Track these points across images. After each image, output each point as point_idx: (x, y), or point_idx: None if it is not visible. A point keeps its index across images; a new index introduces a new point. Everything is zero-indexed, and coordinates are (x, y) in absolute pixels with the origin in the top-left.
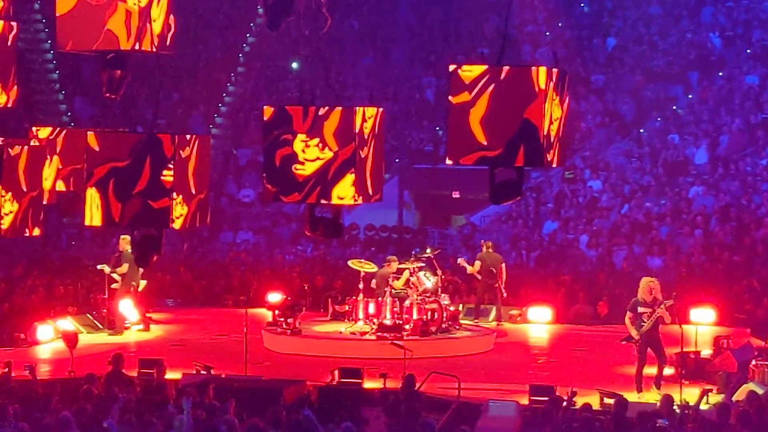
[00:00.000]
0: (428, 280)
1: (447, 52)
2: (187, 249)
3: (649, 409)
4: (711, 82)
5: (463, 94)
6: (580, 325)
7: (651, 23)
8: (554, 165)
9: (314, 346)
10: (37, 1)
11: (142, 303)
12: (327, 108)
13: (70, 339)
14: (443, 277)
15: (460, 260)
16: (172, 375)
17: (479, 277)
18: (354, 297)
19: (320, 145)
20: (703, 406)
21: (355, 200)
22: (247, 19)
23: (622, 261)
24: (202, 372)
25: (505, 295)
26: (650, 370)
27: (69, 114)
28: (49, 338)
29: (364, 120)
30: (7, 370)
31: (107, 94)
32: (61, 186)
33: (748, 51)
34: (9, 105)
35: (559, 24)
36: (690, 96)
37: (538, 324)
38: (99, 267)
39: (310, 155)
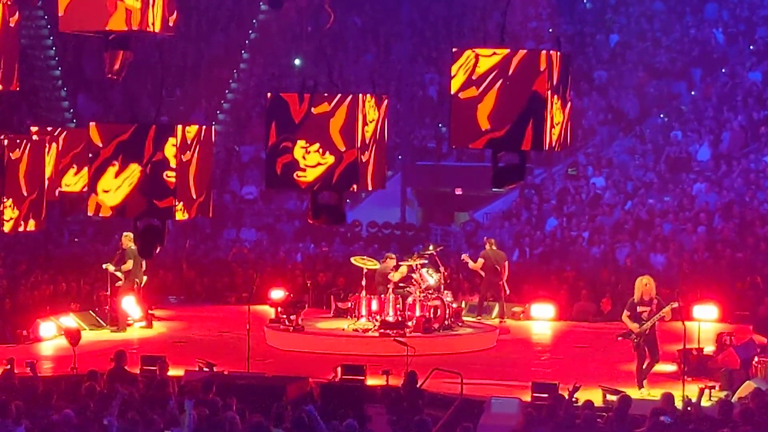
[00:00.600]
0: (431, 277)
1: (449, 48)
2: (189, 246)
3: (652, 406)
4: (714, 79)
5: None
6: (583, 322)
7: (654, 19)
8: (559, 148)
9: (317, 343)
10: None
11: (144, 300)
12: (333, 104)
13: (73, 336)
14: (446, 273)
15: (464, 256)
16: (174, 372)
17: (483, 273)
18: (357, 294)
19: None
20: (706, 403)
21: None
22: (250, 15)
23: (625, 258)
24: (205, 369)
25: (507, 292)
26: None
27: (71, 111)
28: (51, 335)
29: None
30: (9, 367)
31: (109, 75)
32: (69, 180)
33: (751, 48)
34: (12, 88)
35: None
36: (693, 93)
37: (541, 321)
38: (104, 266)
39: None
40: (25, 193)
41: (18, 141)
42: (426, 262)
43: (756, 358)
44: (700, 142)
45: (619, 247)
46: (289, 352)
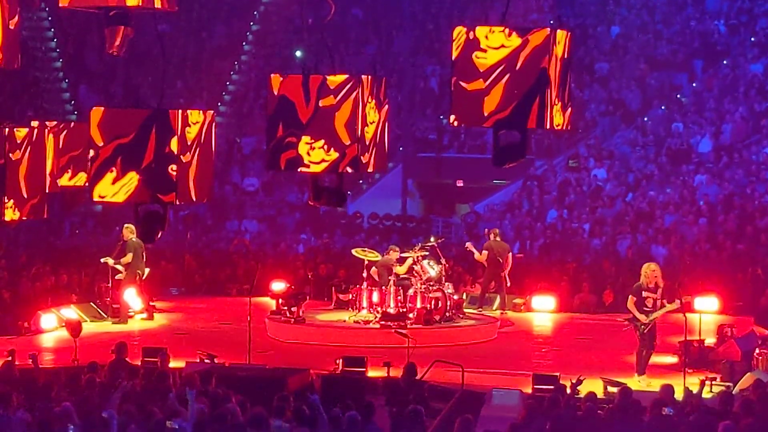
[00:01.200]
0: (432, 269)
1: (451, 40)
2: (191, 238)
3: (657, 398)
4: (715, 71)
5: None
6: (584, 313)
7: (655, 11)
8: (564, 127)
9: (318, 334)
10: None
11: (146, 291)
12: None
13: (74, 327)
14: (447, 265)
15: (468, 245)
16: (175, 364)
17: (485, 264)
18: (358, 286)
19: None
20: (706, 395)
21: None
22: (251, 7)
23: (627, 249)
24: (206, 361)
25: (509, 284)
26: (654, 359)
27: (72, 102)
28: (52, 327)
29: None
30: (10, 358)
31: (110, 51)
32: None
33: (753, 39)
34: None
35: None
36: (694, 84)
37: (542, 313)
38: (102, 260)
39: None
40: (26, 195)
41: (19, 142)
42: (427, 253)
43: (757, 350)
44: (702, 134)
45: (621, 238)
46: (290, 343)
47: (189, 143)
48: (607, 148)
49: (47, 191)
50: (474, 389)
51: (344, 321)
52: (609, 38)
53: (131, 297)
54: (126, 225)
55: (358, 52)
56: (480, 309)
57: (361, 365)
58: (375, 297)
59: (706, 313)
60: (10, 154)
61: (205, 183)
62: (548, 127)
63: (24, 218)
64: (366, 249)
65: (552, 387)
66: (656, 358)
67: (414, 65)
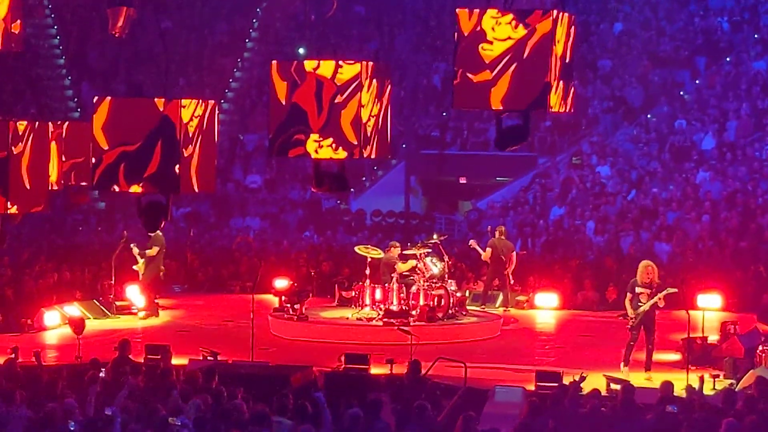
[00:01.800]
0: (435, 266)
1: (453, 37)
2: (193, 235)
3: (662, 396)
4: (718, 68)
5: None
6: (587, 310)
7: (658, 8)
8: (567, 110)
9: (321, 331)
10: None
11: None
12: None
13: (77, 325)
14: (450, 262)
15: (471, 242)
16: (178, 361)
17: (489, 262)
18: (361, 283)
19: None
20: (708, 392)
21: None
22: (254, 4)
23: (629, 247)
24: (209, 358)
25: (512, 282)
26: (639, 355)
27: (75, 100)
28: (55, 324)
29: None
30: (13, 355)
31: (112, 32)
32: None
33: (756, 36)
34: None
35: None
36: (697, 81)
37: (545, 310)
38: (131, 245)
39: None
40: (29, 188)
41: (20, 134)
42: (430, 251)
43: (760, 347)
44: (705, 131)
45: (624, 235)
46: (293, 341)
47: (191, 135)
48: (611, 145)
49: (51, 189)
50: (477, 386)
51: (347, 318)
52: (612, 35)
53: (133, 294)
54: None
55: (360, 48)
56: (483, 306)
57: (364, 362)
58: (378, 294)
59: (709, 310)
60: (12, 148)
61: (208, 174)
62: (551, 109)
63: (26, 212)
64: (369, 246)
65: (555, 384)
66: (660, 356)
67: (416, 62)
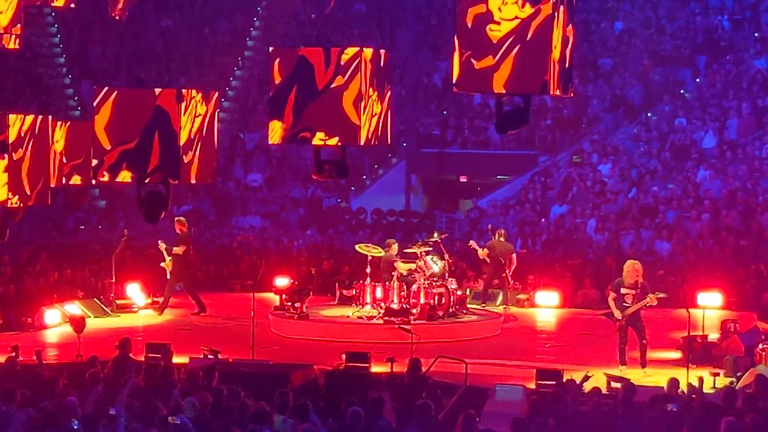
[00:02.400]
0: (435, 265)
1: (454, 36)
2: (194, 233)
3: (659, 394)
4: (719, 66)
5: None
6: (588, 309)
7: (659, 7)
8: (567, 94)
9: (321, 330)
10: None
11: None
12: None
13: (78, 323)
14: (450, 261)
15: (471, 243)
16: (179, 359)
17: (488, 260)
18: (361, 281)
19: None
20: (708, 390)
21: None
22: (254, 3)
23: (630, 245)
24: (210, 356)
25: (512, 283)
26: (634, 353)
27: (75, 98)
28: (56, 322)
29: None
30: (14, 354)
31: (113, 15)
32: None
33: (756, 35)
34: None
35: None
36: (698, 80)
37: (546, 308)
38: (158, 242)
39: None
40: (28, 183)
41: (21, 128)
42: (430, 249)
43: (760, 345)
44: (705, 130)
45: (624, 234)
46: (293, 339)
47: (191, 127)
48: (611, 144)
49: (52, 186)
50: (477, 385)
51: (348, 317)
52: (612, 34)
53: (135, 292)
54: (177, 218)
55: (361, 47)
56: (483, 305)
57: (365, 361)
58: (378, 292)
59: (710, 308)
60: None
61: (208, 164)
62: (552, 93)
63: (28, 205)
64: (369, 245)
65: (555, 382)
66: (660, 354)
67: (417, 61)
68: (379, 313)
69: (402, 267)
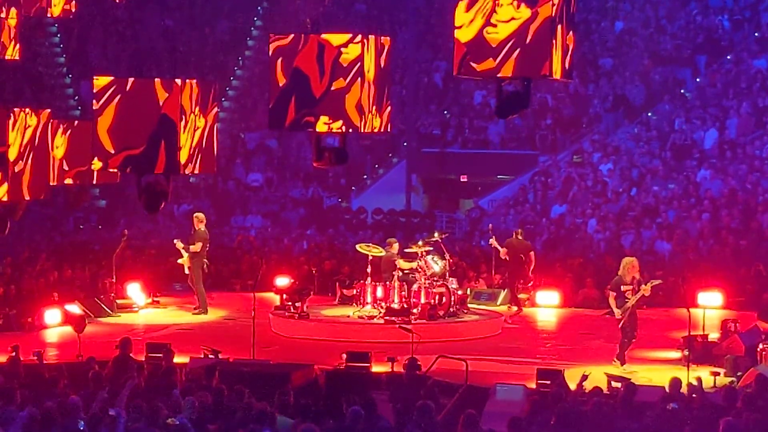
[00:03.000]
0: (436, 264)
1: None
2: None
3: (660, 393)
4: (719, 66)
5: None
6: (588, 308)
7: (659, 6)
8: (567, 77)
9: (322, 330)
10: None
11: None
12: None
13: (78, 323)
14: (451, 261)
15: (492, 241)
16: (179, 359)
17: (507, 259)
18: (362, 281)
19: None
20: (710, 390)
21: None
22: (255, 2)
23: (630, 245)
24: (210, 356)
25: (531, 282)
26: (632, 353)
27: (76, 98)
28: (56, 322)
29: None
30: (14, 354)
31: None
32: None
33: (756, 34)
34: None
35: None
36: (698, 79)
37: (547, 308)
38: (174, 241)
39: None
40: (29, 180)
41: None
42: (431, 249)
43: (761, 345)
44: (705, 129)
45: (625, 234)
46: (294, 339)
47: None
48: (612, 144)
49: (52, 184)
50: (478, 385)
51: (348, 316)
52: (613, 33)
53: (135, 292)
54: (195, 214)
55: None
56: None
57: (366, 360)
58: (379, 292)
59: (710, 308)
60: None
61: (208, 155)
62: (551, 76)
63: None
64: (370, 244)
65: (556, 382)
66: (660, 353)
67: (418, 60)
68: (380, 312)
69: (403, 265)
